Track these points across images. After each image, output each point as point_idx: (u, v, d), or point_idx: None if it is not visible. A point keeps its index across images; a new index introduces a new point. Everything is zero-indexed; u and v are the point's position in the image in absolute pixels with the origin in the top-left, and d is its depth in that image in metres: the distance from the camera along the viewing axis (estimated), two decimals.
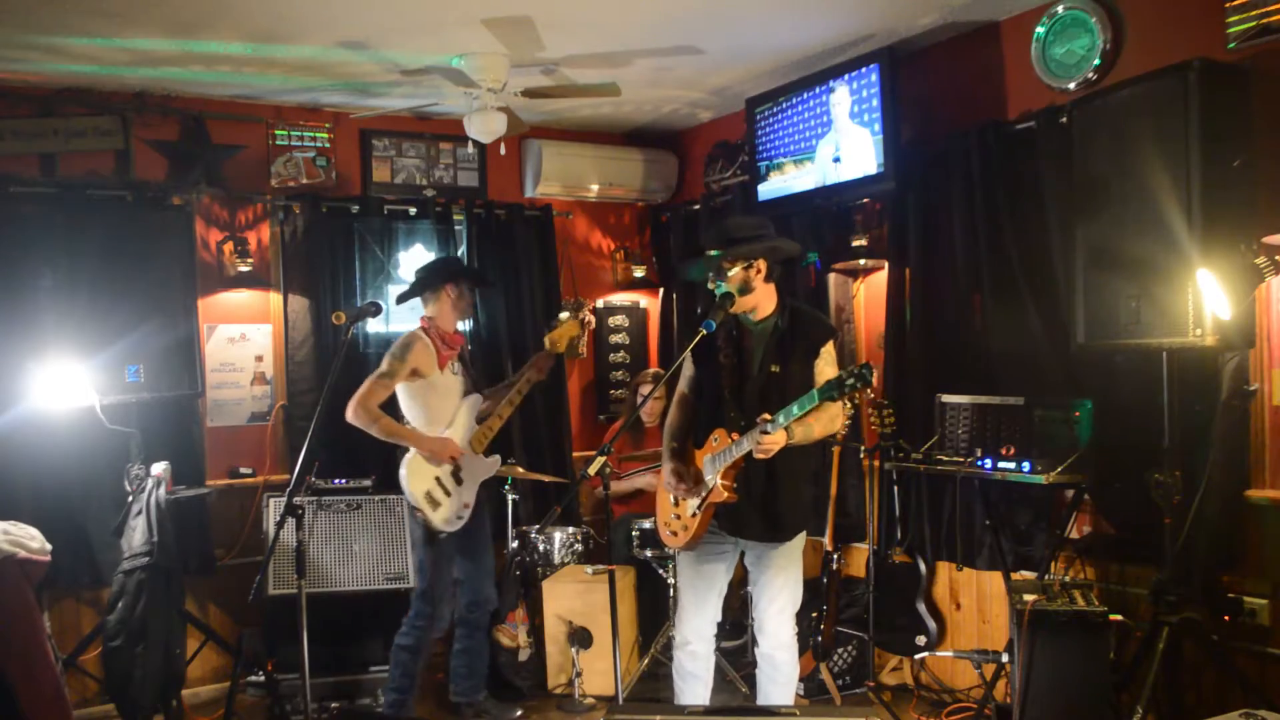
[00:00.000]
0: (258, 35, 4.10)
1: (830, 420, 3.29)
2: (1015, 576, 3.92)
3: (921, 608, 4.44)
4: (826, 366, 3.37)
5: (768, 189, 4.99)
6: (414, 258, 5.39)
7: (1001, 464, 3.72)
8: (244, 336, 5.12)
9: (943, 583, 4.50)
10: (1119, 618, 3.28)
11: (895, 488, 4.37)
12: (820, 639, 4.36)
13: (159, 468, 4.24)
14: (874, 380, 2.96)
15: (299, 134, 5.21)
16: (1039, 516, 3.99)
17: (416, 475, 4.01)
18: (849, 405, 3.07)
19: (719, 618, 3.55)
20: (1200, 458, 3.35)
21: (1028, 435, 3.71)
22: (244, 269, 5.01)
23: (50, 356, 4.22)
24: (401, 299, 4.31)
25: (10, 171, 4.50)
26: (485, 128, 4.48)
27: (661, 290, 6.15)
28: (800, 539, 3.48)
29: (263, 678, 4.46)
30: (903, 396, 4.40)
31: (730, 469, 3.31)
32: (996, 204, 4.06)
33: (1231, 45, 3.31)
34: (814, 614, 4.38)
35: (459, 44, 4.27)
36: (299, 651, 3.26)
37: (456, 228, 5.48)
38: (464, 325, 5.43)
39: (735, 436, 3.28)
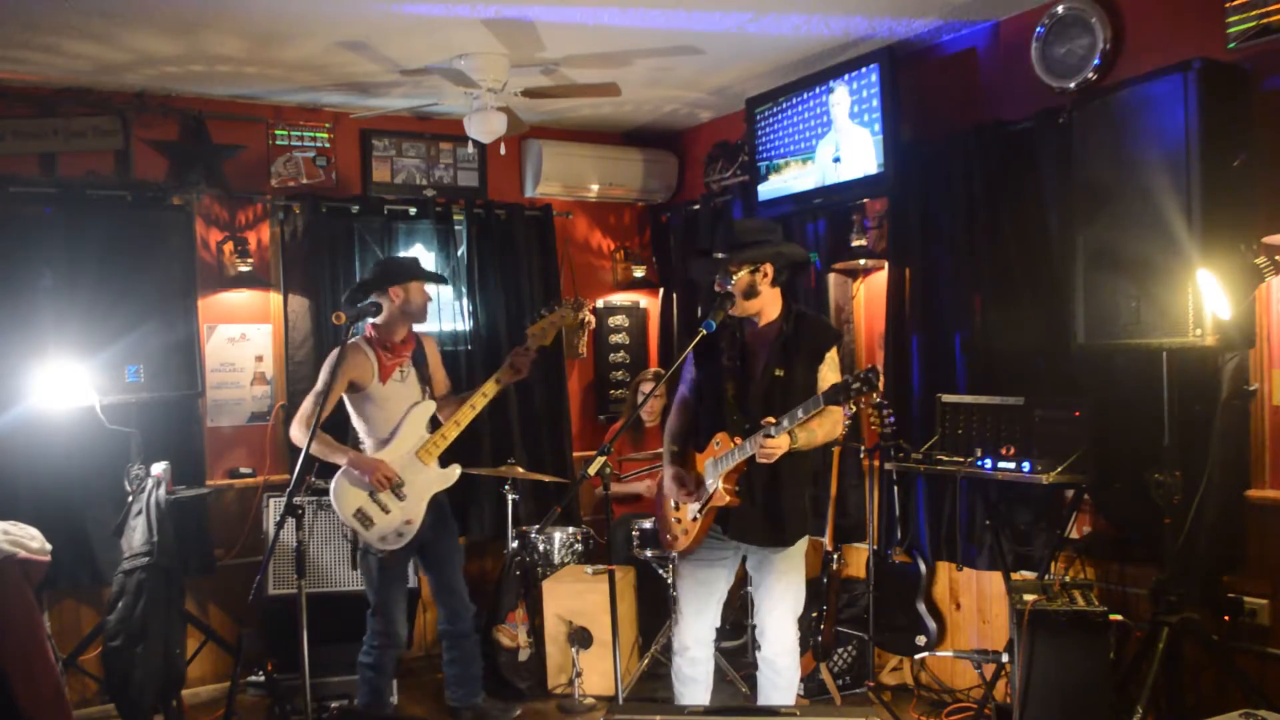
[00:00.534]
0: (258, 35, 4.10)
1: (833, 425, 3.29)
2: (1015, 576, 3.92)
3: (921, 608, 4.44)
4: (830, 372, 3.36)
5: (768, 189, 4.99)
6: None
7: (1001, 464, 3.71)
8: (244, 336, 5.12)
9: (943, 583, 4.50)
10: (1119, 618, 3.28)
11: (895, 488, 4.36)
12: (820, 639, 4.35)
13: (159, 468, 4.24)
14: (880, 385, 2.95)
15: (299, 134, 5.21)
16: (1039, 516, 3.99)
17: (345, 493, 3.89)
18: (852, 408, 3.05)
19: (718, 623, 3.55)
20: (1200, 458, 3.34)
21: (1028, 435, 3.71)
22: (244, 269, 5.01)
23: (50, 356, 4.22)
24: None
25: (10, 171, 4.50)
26: (485, 128, 4.48)
27: (661, 290, 6.15)
28: (803, 543, 3.48)
29: (263, 678, 4.47)
30: (903, 396, 4.40)
31: (732, 473, 3.30)
32: (996, 204, 4.06)
33: (1231, 45, 3.31)
34: (814, 614, 4.38)
35: (459, 44, 4.27)
36: (299, 651, 3.27)
37: (456, 228, 5.48)
38: (464, 325, 5.45)
39: (738, 440, 3.27)
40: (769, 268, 3.34)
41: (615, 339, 6.19)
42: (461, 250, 5.47)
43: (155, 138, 4.86)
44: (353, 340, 3.91)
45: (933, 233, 4.38)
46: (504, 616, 4.82)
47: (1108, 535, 3.80)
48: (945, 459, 3.93)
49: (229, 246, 5.01)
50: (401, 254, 5.32)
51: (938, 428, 4.04)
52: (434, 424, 4.10)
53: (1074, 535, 3.86)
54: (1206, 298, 3.04)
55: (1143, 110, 3.22)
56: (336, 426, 4.11)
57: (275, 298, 5.16)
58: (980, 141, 4.08)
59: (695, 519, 3.41)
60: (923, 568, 4.46)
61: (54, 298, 4.38)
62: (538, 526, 4.99)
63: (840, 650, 4.53)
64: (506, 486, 4.98)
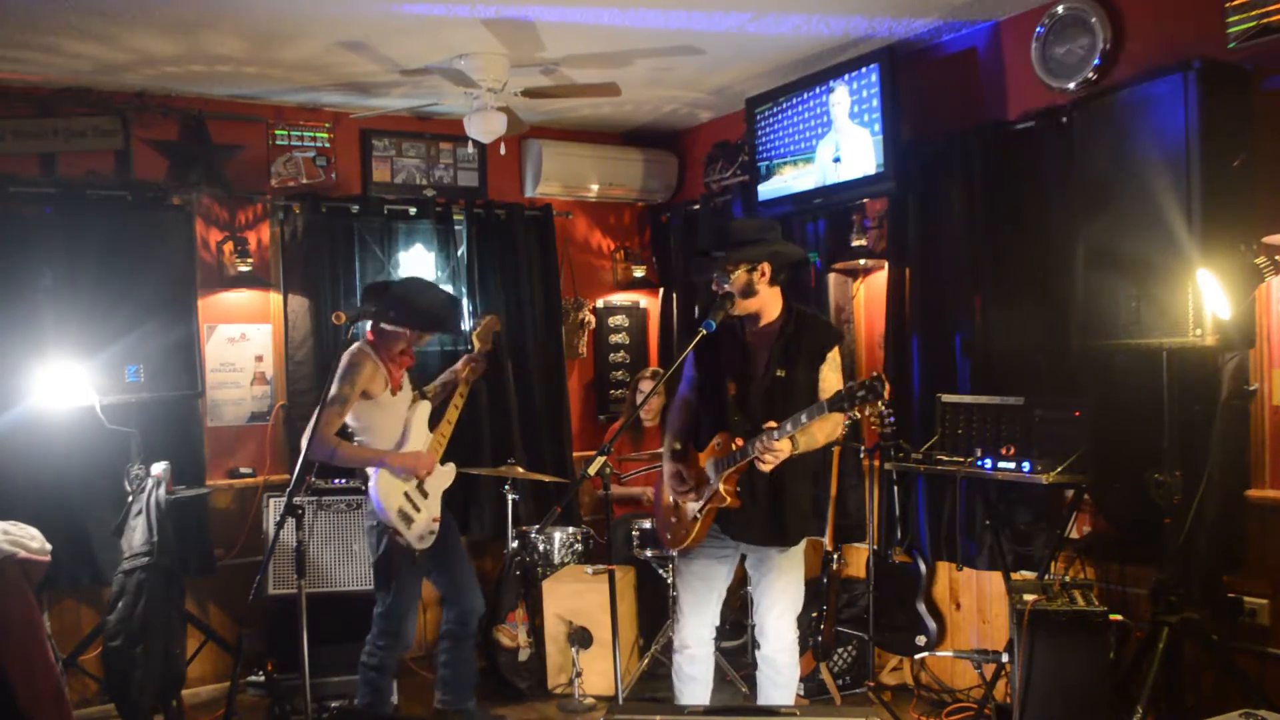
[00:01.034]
0: (258, 35, 4.10)
1: (834, 427, 3.28)
2: (1015, 576, 3.92)
3: (921, 608, 4.44)
4: (831, 372, 3.36)
5: (768, 189, 4.99)
6: (414, 258, 5.40)
7: (1001, 464, 3.71)
8: (244, 336, 5.12)
9: (943, 583, 4.50)
10: (1119, 618, 3.28)
11: (895, 488, 4.36)
12: (820, 639, 4.36)
13: (159, 468, 4.24)
14: (885, 393, 2.91)
15: (299, 134, 5.21)
16: (1039, 516, 3.99)
17: (388, 492, 3.85)
18: (856, 415, 3.02)
19: (718, 621, 3.54)
20: (1200, 458, 3.34)
21: (1028, 435, 3.71)
22: (244, 269, 5.01)
23: (50, 356, 4.22)
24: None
25: (10, 171, 4.50)
26: (485, 128, 4.48)
27: (661, 290, 6.15)
28: (802, 542, 3.48)
29: (263, 678, 4.47)
30: (903, 396, 4.40)
31: (733, 474, 3.30)
32: (996, 204, 4.06)
33: (1231, 45, 3.31)
34: (814, 614, 4.38)
35: (459, 44, 4.27)
36: (299, 651, 3.26)
37: (456, 228, 5.48)
38: (464, 325, 5.43)
39: (739, 442, 3.26)
40: (766, 267, 3.33)
41: (615, 339, 6.19)
42: (461, 250, 5.47)
43: (155, 138, 4.86)
44: (359, 349, 3.86)
45: (933, 233, 4.38)
46: (504, 616, 4.82)
47: (1108, 535, 3.80)
48: (945, 459, 3.93)
49: (229, 246, 5.01)
50: (402, 254, 5.33)
51: (938, 428, 4.04)
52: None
53: (1074, 535, 3.85)
54: (1206, 298, 3.05)
55: (1143, 110, 3.22)
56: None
57: (275, 298, 5.16)
58: (980, 141, 4.08)
59: (695, 518, 3.41)
60: (923, 568, 4.46)
61: (54, 298, 4.38)
62: (538, 526, 4.99)
63: (840, 650, 4.54)
64: (506, 486, 4.98)
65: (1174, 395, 3.28)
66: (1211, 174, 3.05)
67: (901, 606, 4.46)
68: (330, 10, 3.84)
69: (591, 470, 3.12)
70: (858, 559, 4.71)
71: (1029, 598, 3.24)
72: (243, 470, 5.06)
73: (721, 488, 3.30)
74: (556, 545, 4.97)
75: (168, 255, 4.56)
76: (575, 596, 4.73)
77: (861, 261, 4.77)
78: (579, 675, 4.58)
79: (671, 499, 3.51)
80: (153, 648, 4.03)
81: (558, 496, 5.38)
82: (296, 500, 3.26)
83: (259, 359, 5.15)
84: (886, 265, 4.61)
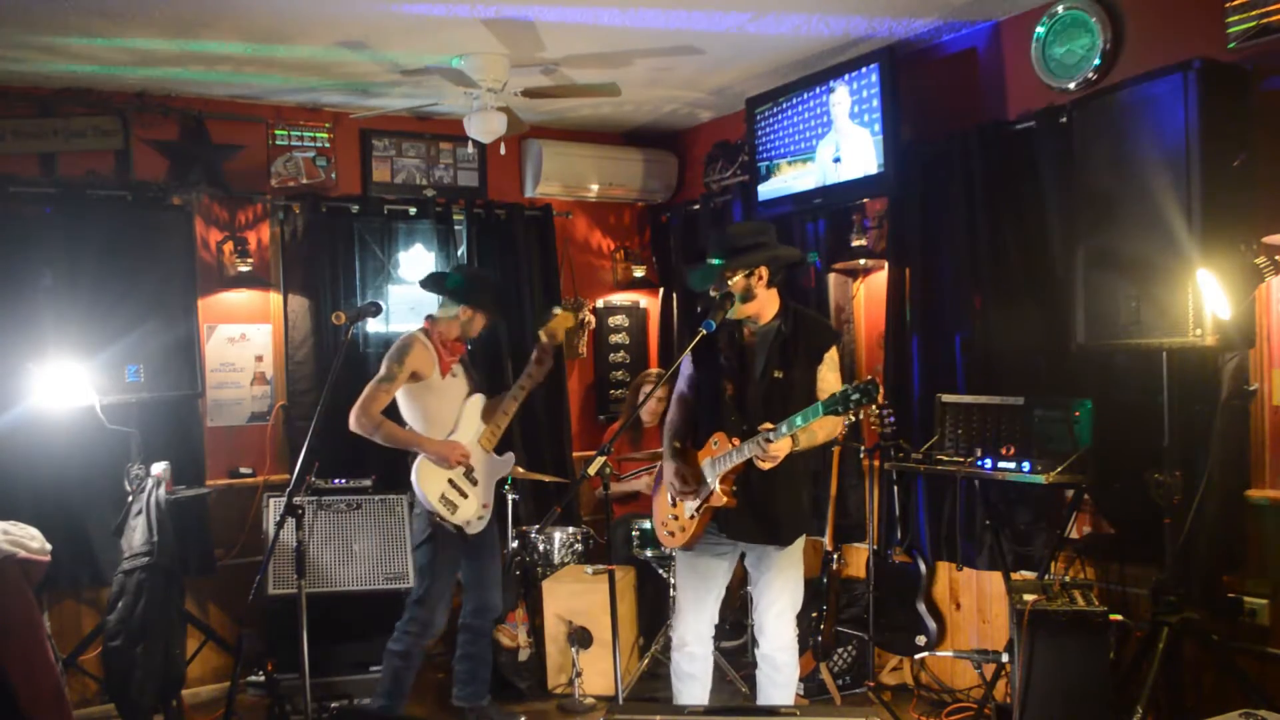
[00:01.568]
0: (258, 35, 4.10)
1: (834, 426, 3.30)
2: (1015, 576, 3.92)
3: (921, 608, 4.44)
4: (829, 372, 3.37)
5: (768, 189, 4.99)
6: (414, 258, 5.40)
7: (1001, 464, 3.71)
8: (244, 336, 5.12)
9: (943, 583, 4.50)
10: (1119, 618, 3.28)
11: (895, 488, 4.37)
12: (820, 639, 4.36)
13: (159, 468, 4.24)
14: (879, 397, 2.95)
15: (299, 134, 5.21)
16: (1039, 516, 3.99)
17: (428, 479, 3.96)
18: (851, 418, 3.06)
19: (717, 619, 3.55)
20: (1200, 458, 3.35)
21: (1028, 435, 3.71)
22: (244, 269, 5.01)
23: (50, 356, 4.22)
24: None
25: (10, 171, 4.50)
26: (485, 128, 4.48)
27: (661, 290, 6.15)
28: (800, 540, 3.48)
29: (263, 678, 4.46)
30: (903, 396, 4.40)
31: (730, 474, 3.31)
32: (996, 204, 4.06)
33: (1231, 45, 3.31)
34: (814, 614, 4.38)
35: (459, 44, 4.27)
36: (299, 651, 3.26)
37: (456, 228, 5.48)
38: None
39: (736, 442, 3.27)
40: (764, 270, 3.34)
41: (615, 339, 6.19)
42: (461, 250, 5.47)
43: (155, 138, 4.86)
44: (412, 333, 4.05)
45: (933, 233, 4.38)
46: (504, 616, 4.82)
47: (1108, 535, 3.80)
48: (945, 459, 3.93)
49: (229, 246, 5.01)
50: (401, 254, 5.35)
51: (937, 428, 4.04)
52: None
53: (1074, 535, 3.85)
54: (1206, 298, 3.04)
55: (1143, 110, 3.22)
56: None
57: (275, 298, 5.16)
58: (980, 141, 4.08)
59: (693, 517, 3.41)
60: (923, 567, 4.46)
61: (54, 298, 4.38)
62: (538, 526, 4.99)
63: (840, 650, 4.54)
64: (506, 486, 4.98)
65: (1174, 395, 3.28)
66: (1211, 174, 3.04)
67: (901, 606, 4.46)
68: (330, 10, 3.84)
69: (591, 470, 3.12)
70: (858, 559, 4.71)
71: (1029, 598, 3.24)
72: (243, 470, 5.06)
73: (718, 487, 3.31)
74: (556, 545, 4.97)
75: (168, 255, 4.56)
76: (575, 596, 4.73)
77: (861, 261, 4.77)
78: (579, 675, 4.58)
79: (670, 497, 3.52)
80: (153, 648, 4.03)
81: (558, 496, 5.38)
82: (296, 500, 3.26)
83: (259, 359, 5.15)
84: (886, 265, 4.61)
